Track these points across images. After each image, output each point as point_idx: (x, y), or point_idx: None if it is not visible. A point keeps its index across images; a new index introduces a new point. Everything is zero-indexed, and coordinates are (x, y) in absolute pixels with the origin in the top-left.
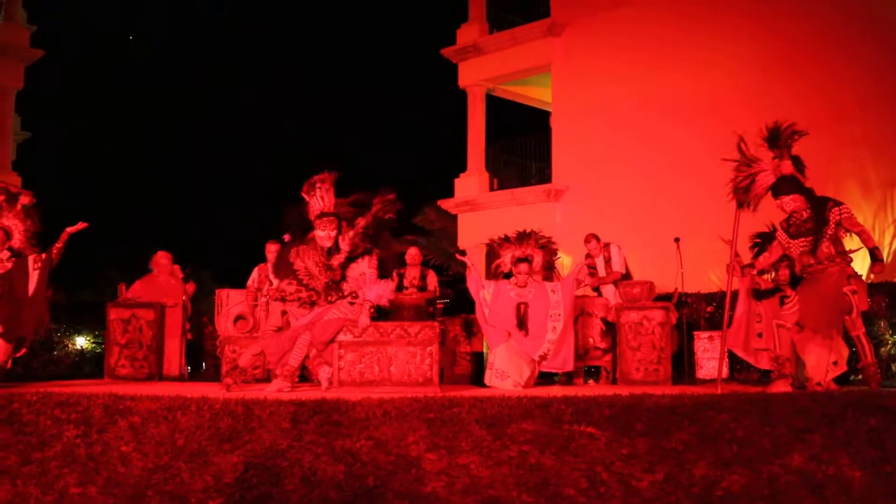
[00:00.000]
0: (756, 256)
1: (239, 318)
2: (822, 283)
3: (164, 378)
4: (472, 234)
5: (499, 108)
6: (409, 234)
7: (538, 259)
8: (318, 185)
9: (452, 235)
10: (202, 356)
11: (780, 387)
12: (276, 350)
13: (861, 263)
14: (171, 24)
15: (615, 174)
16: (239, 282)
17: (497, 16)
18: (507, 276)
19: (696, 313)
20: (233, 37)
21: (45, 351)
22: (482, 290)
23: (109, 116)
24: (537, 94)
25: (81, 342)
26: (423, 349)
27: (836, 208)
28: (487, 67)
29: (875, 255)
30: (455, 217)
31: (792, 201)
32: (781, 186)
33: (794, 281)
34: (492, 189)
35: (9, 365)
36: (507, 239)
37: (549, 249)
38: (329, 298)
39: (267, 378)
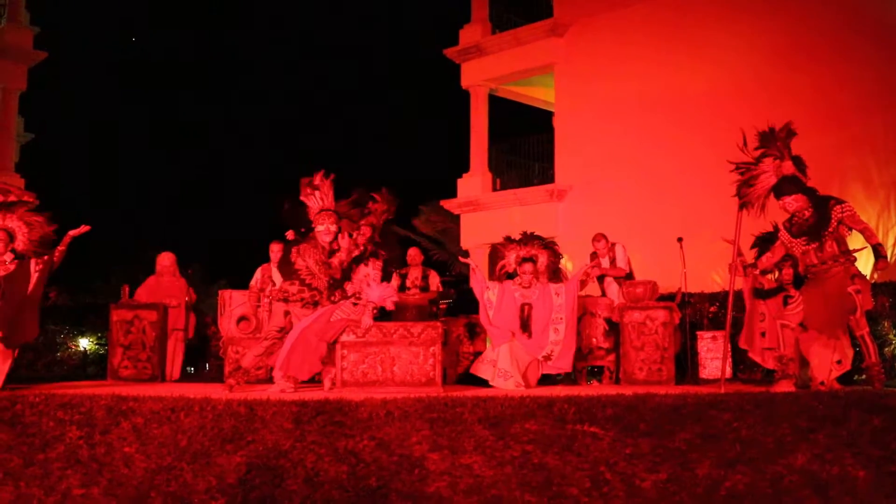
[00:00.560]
0: (758, 256)
1: (242, 318)
2: (826, 282)
3: (166, 379)
4: (475, 235)
5: (501, 109)
6: (411, 235)
7: (543, 259)
8: (317, 184)
9: (455, 236)
10: (205, 357)
11: (784, 386)
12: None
13: (865, 262)
14: (172, 25)
15: (618, 174)
16: (242, 282)
17: (500, 16)
18: (511, 276)
19: (699, 313)
20: (233, 34)
21: (49, 352)
22: (487, 292)
23: (112, 117)
24: (540, 94)
25: (84, 343)
26: (426, 349)
27: (839, 206)
28: (490, 68)
29: (878, 251)
30: (458, 217)
31: (794, 201)
32: (783, 187)
33: (798, 280)
34: (494, 189)
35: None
36: (511, 239)
37: (553, 251)
38: (332, 298)
39: (270, 379)
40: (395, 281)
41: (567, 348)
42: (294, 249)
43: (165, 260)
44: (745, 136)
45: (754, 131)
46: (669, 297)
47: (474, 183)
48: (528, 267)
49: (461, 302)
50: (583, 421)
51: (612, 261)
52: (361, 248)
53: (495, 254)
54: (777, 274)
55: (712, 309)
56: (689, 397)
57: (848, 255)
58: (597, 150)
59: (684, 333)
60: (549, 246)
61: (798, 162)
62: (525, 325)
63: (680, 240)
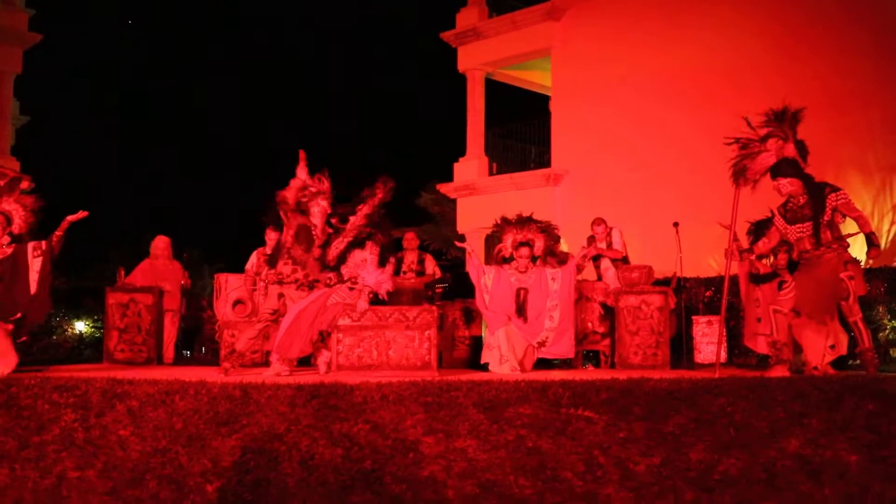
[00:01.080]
0: (754, 242)
1: (238, 302)
2: (818, 268)
3: (162, 362)
4: (472, 219)
5: (498, 93)
6: (407, 219)
7: (539, 244)
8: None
9: (451, 220)
10: (201, 340)
11: (778, 371)
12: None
13: (859, 249)
14: (168, 8)
15: (614, 159)
16: (237, 265)
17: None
18: (507, 260)
19: (694, 298)
20: (231, 16)
21: (45, 335)
22: (483, 276)
23: (108, 101)
24: (537, 78)
25: (80, 326)
26: (421, 333)
27: (833, 194)
28: (487, 51)
29: (871, 240)
30: (454, 201)
31: (789, 184)
32: (781, 168)
33: (792, 266)
34: (491, 173)
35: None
36: (508, 221)
37: (550, 234)
38: (328, 282)
39: (265, 362)
40: (390, 267)
41: (562, 334)
42: (284, 238)
43: (160, 243)
44: (748, 120)
45: (753, 116)
46: (665, 281)
47: (471, 167)
48: (524, 251)
49: (457, 286)
50: (577, 405)
51: (609, 245)
52: (357, 232)
53: (492, 238)
54: (772, 259)
55: (708, 293)
56: (684, 382)
57: (841, 242)
58: (593, 134)
59: (679, 318)
60: (547, 229)
61: (801, 147)
62: (521, 310)
63: (676, 224)
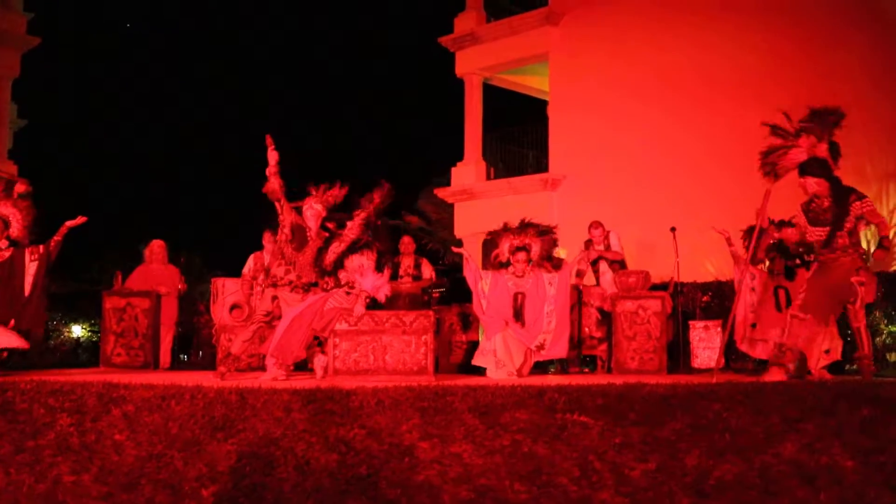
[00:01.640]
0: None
1: (235, 306)
2: (832, 271)
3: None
4: (469, 224)
5: (496, 97)
6: (404, 223)
7: (536, 248)
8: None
9: (449, 224)
10: (198, 345)
11: (775, 375)
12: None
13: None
14: (168, 12)
15: (612, 163)
16: (234, 269)
17: (494, 4)
18: (504, 265)
19: (691, 303)
20: (229, 22)
21: (41, 339)
22: (480, 281)
23: (106, 104)
24: (534, 83)
25: (77, 331)
26: (418, 338)
27: (859, 202)
28: (484, 56)
29: (882, 243)
30: (451, 206)
31: (816, 184)
32: (810, 166)
33: (789, 271)
34: (488, 178)
35: (4, 355)
36: (506, 228)
37: (547, 239)
38: (325, 286)
39: (262, 367)
40: (387, 272)
41: (559, 337)
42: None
43: (155, 247)
44: (787, 114)
45: (750, 123)
46: (662, 286)
47: (468, 172)
48: (521, 256)
49: (454, 291)
50: (573, 410)
51: (608, 248)
52: (353, 237)
53: (489, 243)
54: (768, 263)
55: (705, 298)
56: (680, 387)
57: (857, 248)
58: (591, 139)
59: (676, 323)
60: (545, 233)
61: (834, 148)
62: (518, 315)
63: (673, 229)
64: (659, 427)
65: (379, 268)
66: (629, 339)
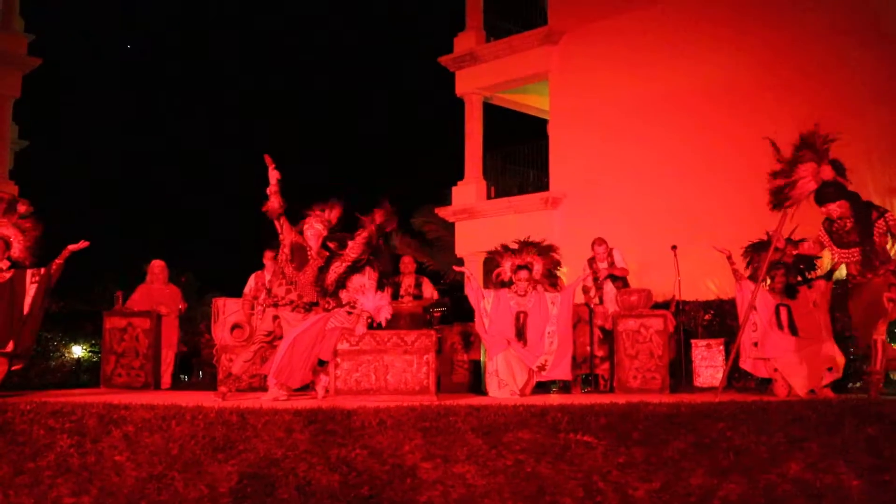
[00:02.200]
0: (749, 264)
1: (236, 326)
2: (866, 292)
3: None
4: (470, 243)
5: (496, 116)
6: (405, 243)
7: (538, 267)
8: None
9: (450, 244)
10: (199, 365)
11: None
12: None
13: None
14: (168, 31)
15: (612, 182)
16: (235, 289)
17: (494, 24)
18: (506, 284)
19: (693, 321)
20: (229, 41)
21: (42, 360)
22: (482, 301)
23: (107, 126)
24: (534, 101)
25: (78, 351)
26: (419, 357)
27: (882, 220)
28: (484, 75)
29: None
30: (452, 225)
31: (838, 207)
32: (826, 193)
33: (790, 289)
34: (489, 197)
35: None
36: (507, 248)
37: (549, 257)
38: (326, 306)
39: (263, 387)
40: (388, 292)
41: (562, 357)
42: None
43: (156, 267)
44: (774, 144)
45: (748, 140)
46: (664, 304)
47: (469, 191)
48: (523, 274)
49: (455, 310)
50: (576, 430)
51: (611, 265)
52: (355, 257)
53: (490, 262)
54: (770, 282)
55: (707, 317)
56: (683, 406)
57: (887, 265)
58: (591, 157)
59: (678, 341)
60: (546, 252)
61: (837, 166)
62: (520, 334)
63: (674, 248)
64: (662, 446)
65: (380, 287)
66: (631, 358)
